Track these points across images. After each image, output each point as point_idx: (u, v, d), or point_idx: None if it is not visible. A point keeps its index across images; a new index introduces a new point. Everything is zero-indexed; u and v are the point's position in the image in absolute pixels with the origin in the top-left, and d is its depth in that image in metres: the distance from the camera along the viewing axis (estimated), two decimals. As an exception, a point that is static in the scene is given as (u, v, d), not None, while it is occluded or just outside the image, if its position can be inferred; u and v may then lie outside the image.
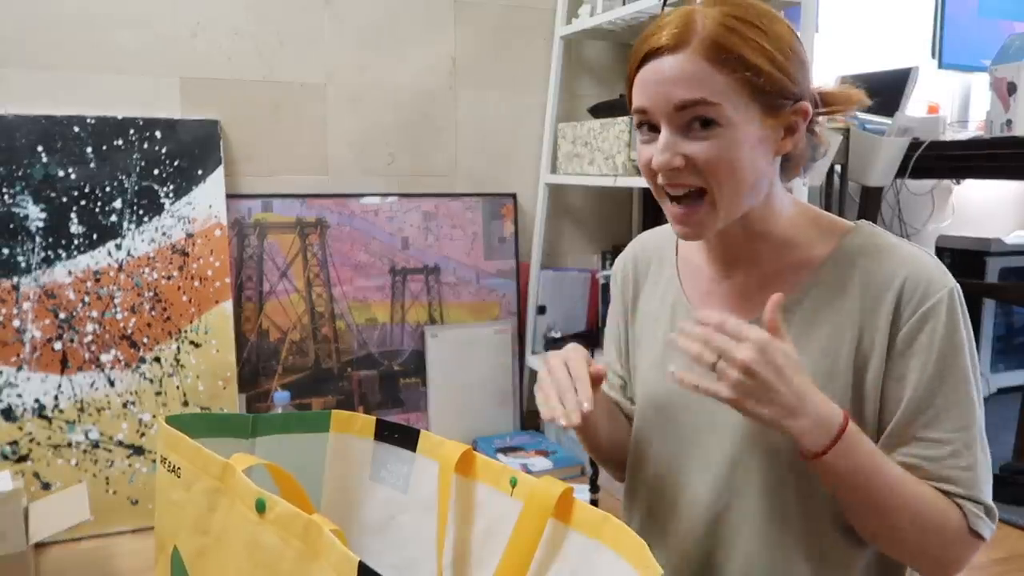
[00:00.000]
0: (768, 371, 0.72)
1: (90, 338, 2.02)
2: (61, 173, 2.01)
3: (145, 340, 2.06)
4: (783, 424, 0.74)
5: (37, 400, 1.96)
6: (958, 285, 0.82)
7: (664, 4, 1.99)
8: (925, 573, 0.85)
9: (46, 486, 1.96)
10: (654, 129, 0.81)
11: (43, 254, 1.99)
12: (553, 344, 2.44)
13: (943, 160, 2.60)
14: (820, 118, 0.87)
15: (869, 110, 2.69)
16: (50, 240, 1.99)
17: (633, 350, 1.02)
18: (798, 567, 0.85)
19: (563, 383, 0.84)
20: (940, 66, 3.15)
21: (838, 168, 2.65)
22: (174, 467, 0.77)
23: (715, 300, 0.92)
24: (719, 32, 0.77)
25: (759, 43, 0.77)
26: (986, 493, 0.81)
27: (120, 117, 2.07)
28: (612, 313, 1.07)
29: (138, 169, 2.07)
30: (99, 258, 2.04)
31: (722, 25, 0.77)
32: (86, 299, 2.02)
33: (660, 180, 0.82)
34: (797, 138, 0.82)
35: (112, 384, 2.03)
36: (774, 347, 0.73)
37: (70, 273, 2.01)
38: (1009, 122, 2.34)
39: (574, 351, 0.87)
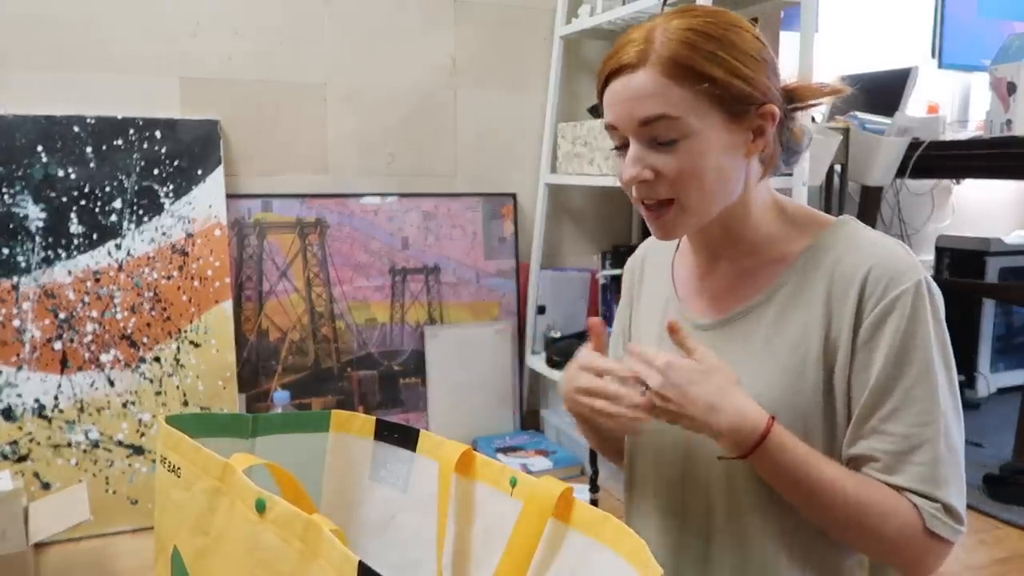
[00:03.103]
0: (672, 391, 0.78)
1: (90, 338, 2.02)
2: (61, 173, 2.01)
3: (145, 340, 2.06)
4: (701, 431, 0.80)
5: (37, 400, 1.96)
6: (929, 277, 0.82)
7: (664, 4, 1.99)
8: (897, 572, 0.86)
9: (46, 486, 1.96)
10: (625, 144, 0.85)
11: (43, 254, 1.99)
12: (553, 344, 2.44)
13: (943, 160, 2.60)
14: (796, 113, 0.89)
15: (869, 110, 2.69)
16: (50, 240, 1.99)
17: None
18: (797, 551, 0.86)
19: (606, 390, 0.83)
20: (940, 66, 3.15)
21: (838, 168, 2.65)
22: (174, 467, 0.77)
23: (698, 295, 0.96)
24: (675, 48, 0.80)
25: (716, 54, 0.79)
26: (948, 492, 0.79)
27: (120, 117, 2.07)
28: (620, 308, 1.10)
29: (138, 169, 2.07)
30: (99, 258, 2.04)
31: (678, 41, 0.80)
32: (86, 299, 2.02)
33: (634, 193, 0.86)
34: (766, 139, 0.84)
35: (112, 384, 2.03)
36: (676, 368, 0.79)
37: (70, 273, 2.01)
38: (1009, 122, 2.34)
39: (585, 355, 0.87)
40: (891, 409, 0.80)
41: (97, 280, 2.03)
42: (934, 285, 0.83)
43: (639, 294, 1.05)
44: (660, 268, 1.03)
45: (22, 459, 1.94)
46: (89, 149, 2.03)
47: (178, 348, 2.09)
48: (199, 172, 2.13)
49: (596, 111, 2.37)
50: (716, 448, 0.88)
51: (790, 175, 1.96)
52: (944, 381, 0.81)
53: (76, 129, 2.02)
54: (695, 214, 0.84)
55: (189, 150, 2.13)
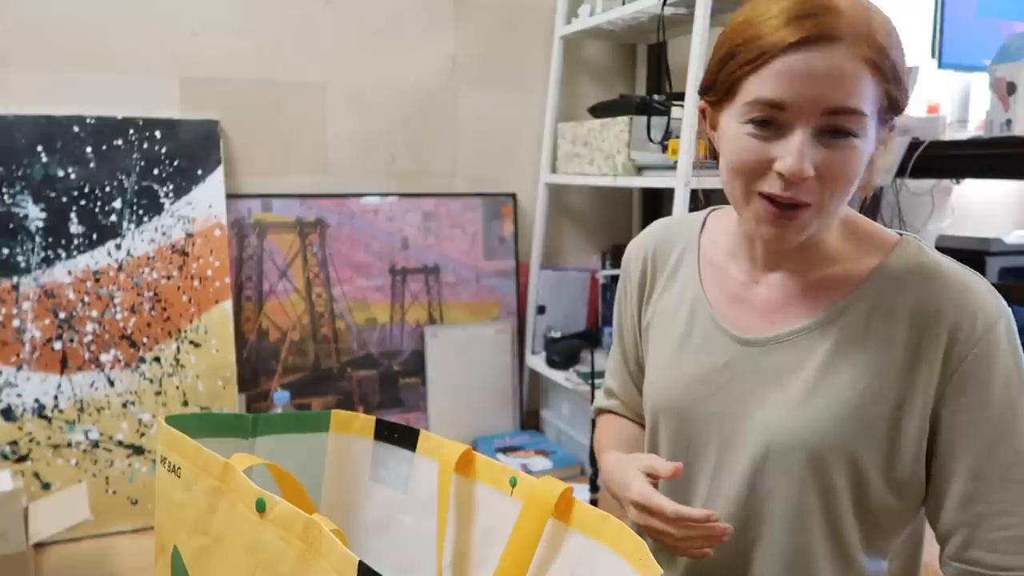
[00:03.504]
0: None
1: (90, 338, 2.02)
2: (61, 173, 2.01)
3: (145, 340, 2.06)
4: None
5: (37, 400, 1.96)
6: (1009, 312, 0.77)
7: (664, 4, 1.99)
8: None
9: (46, 486, 1.96)
10: (772, 124, 0.72)
11: (43, 254, 1.99)
12: (553, 344, 2.44)
13: (943, 160, 2.59)
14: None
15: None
16: (50, 240, 1.99)
17: (644, 347, 0.97)
18: (822, 569, 0.81)
19: (676, 533, 0.78)
20: (940, 66, 3.14)
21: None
22: (174, 467, 0.77)
23: (738, 305, 0.87)
24: (879, 33, 0.70)
25: (902, 48, 0.71)
26: None
27: (120, 117, 2.07)
28: (623, 304, 1.00)
29: (138, 169, 2.07)
30: (99, 258, 2.04)
31: (880, 25, 0.71)
32: (86, 299, 2.02)
33: (770, 188, 0.73)
34: (880, 153, 0.77)
35: (112, 384, 2.03)
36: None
37: (70, 273, 2.01)
38: (1009, 122, 2.34)
39: (638, 489, 0.80)
40: (999, 479, 0.73)
41: (97, 280, 2.03)
42: (1010, 315, 0.77)
43: (650, 292, 0.96)
44: (679, 265, 0.94)
45: (22, 459, 1.94)
46: (89, 149, 2.03)
47: (178, 348, 2.09)
48: (199, 172, 2.13)
49: (596, 111, 2.37)
50: (735, 463, 0.83)
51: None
52: None
53: (76, 129, 2.02)
54: (826, 221, 0.76)
55: (189, 150, 2.13)
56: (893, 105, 0.75)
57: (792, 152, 0.71)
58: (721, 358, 0.85)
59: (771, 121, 0.72)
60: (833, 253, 0.82)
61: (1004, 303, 0.77)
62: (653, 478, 0.81)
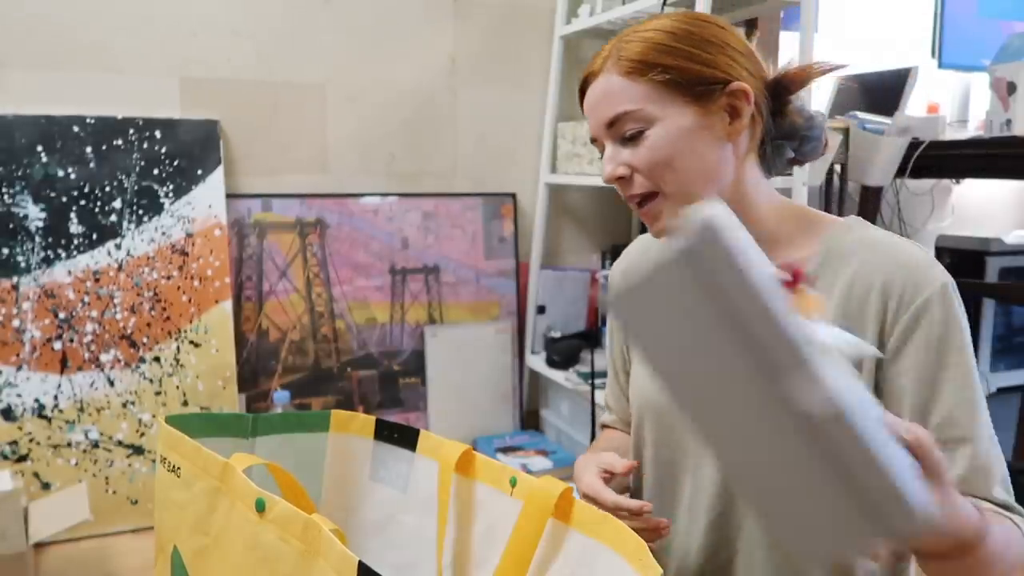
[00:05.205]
0: None
1: (90, 338, 2.02)
2: (61, 173, 2.01)
3: (145, 340, 2.06)
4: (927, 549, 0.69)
5: (37, 400, 1.96)
6: (952, 280, 0.80)
7: (664, 4, 1.99)
8: None
9: (46, 486, 1.96)
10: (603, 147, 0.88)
11: (43, 254, 1.99)
12: (553, 344, 2.44)
13: (943, 160, 2.59)
14: (792, 98, 0.88)
15: (869, 110, 2.69)
16: (50, 240, 1.99)
17: (629, 357, 1.04)
18: (803, 565, 0.84)
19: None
20: (940, 66, 3.14)
21: (838, 168, 2.65)
22: (174, 467, 0.77)
23: None
24: (625, 47, 0.83)
25: (665, 44, 0.82)
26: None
27: (120, 117, 2.07)
28: (611, 323, 1.10)
29: (138, 169, 2.07)
30: (99, 258, 2.04)
31: (633, 42, 0.83)
32: (86, 299, 2.02)
33: (621, 193, 0.87)
34: (743, 122, 0.83)
35: (112, 384, 2.03)
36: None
37: (70, 273, 2.01)
38: (1009, 122, 2.34)
39: (587, 482, 0.85)
40: (942, 419, 0.78)
41: (97, 280, 2.03)
42: (954, 284, 0.80)
43: None
44: None
45: (22, 459, 1.94)
46: (89, 149, 2.03)
47: (178, 348, 2.09)
48: (199, 172, 2.13)
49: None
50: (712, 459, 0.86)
51: (790, 175, 1.96)
52: (978, 382, 0.79)
53: (76, 129, 2.02)
54: (681, 201, 0.84)
55: (189, 150, 2.12)
56: (694, 78, 0.82)
57: (604, 162, 0.87)
58: None
59: (599, 148, 0.89)
60: (771, 241, 0.86)
61: (946, 273, 0.80)
62: (611, 474, 0.86)
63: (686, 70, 0.81)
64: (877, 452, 0.47)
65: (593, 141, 0.89)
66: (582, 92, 0.88)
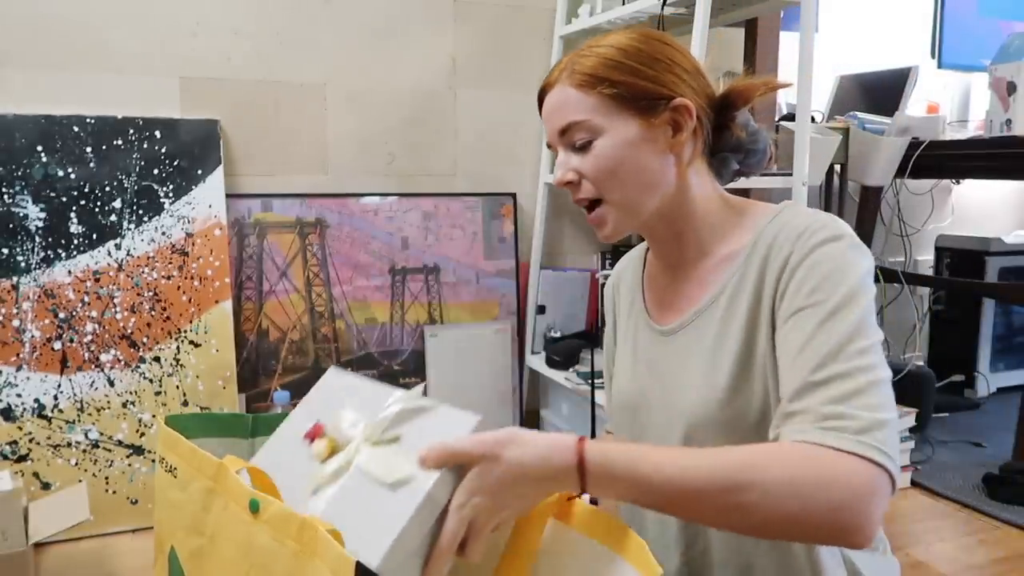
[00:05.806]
0: (480, 500, 0.68)
1: (90, 338, 2.02)
2: (61, 173, 2.01)
3: (145, 340, 2.06)
4: (533, 504, 0.71)
5: (37, 400, 1.96)
6: (853, 233, 0.82)
7: (664, 4, 1.99)
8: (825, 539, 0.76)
9: (46, 486, 1.96)
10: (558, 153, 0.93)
11: (43, 254, 1.99)
12: (553, 344, 2.44)
13: (943, 160, 2.59)
14: (737, 114, 0.92)
15: (869, 110, 2.69)
16: (50, 240, 1.99)
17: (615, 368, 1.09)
18: (761, 545, 0.86)
19: None
20: (940, 66, 3.14)
21: (838, 168, 2.64)
22: (171, 467, 0.77)
23: (661, 302, 0.98)
24: (580, 61, 0.88)
25: (615, 60, 0.87)
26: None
27: (120, 117, 2.07)
28: (606, 335, 1.12)
29: (138, 169, 2.07)
30: (99, 258, 2.04)
31: (585, 56, 0.88)
32: (86, 299, 2.02)
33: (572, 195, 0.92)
34: (685, 135, 0.88)
35: (112, 384, 2.03)
36: (467, 488, 0.68)
37: (70, 273, 2.01)
38: (1009, 122, 2.34)
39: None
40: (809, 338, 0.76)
41: (97, 280, 2.03)
42: (865, 247, 0.82)
43: (616, 322, 1.09)
44: (634, 284, 1.06)
45: (22, 459, 1.94)
46: (89, 149, 2.03)
47: (178, 348, 2.09)
48: (199, 172, 2.13)
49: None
50: (670, 440, 0.89)
51: (789, 174, 1.96)
52: (871, 332, 0.76)
53: (76, 129, 2.02)
54: (623, 209, 0.89)
55: (189, 150, 2.12)
56: (640, 94, 0.87)
57: (556, 168, 0.92)
58: (652, 353, 0.96)
59: (556, 152, 0.94)
60: (715, 236, 0.92)
61: (848, 228, 0.82)
62: None
63: (632, 85, 0.87)
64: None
65: (549, 146, 0.95)
66: (540, 100, 0.93)
